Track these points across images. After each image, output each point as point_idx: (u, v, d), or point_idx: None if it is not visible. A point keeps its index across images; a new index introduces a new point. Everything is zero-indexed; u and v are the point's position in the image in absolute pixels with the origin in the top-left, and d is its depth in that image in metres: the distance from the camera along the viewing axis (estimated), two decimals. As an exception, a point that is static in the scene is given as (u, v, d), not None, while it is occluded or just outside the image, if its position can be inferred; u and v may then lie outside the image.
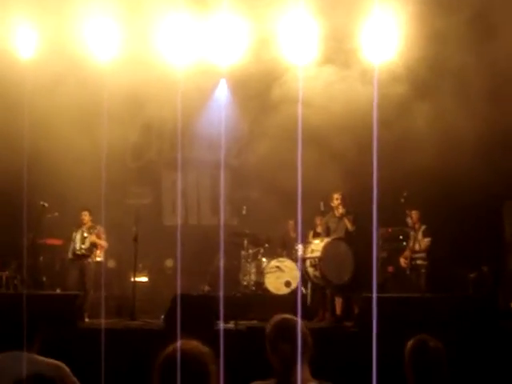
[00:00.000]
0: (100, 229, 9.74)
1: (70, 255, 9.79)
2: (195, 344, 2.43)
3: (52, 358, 3.56)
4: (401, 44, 9.95)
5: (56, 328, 6.08)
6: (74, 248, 9.66)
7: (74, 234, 9.77)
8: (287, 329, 3.05)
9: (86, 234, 9.63)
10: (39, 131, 10.14)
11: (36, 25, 10.22)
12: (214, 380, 2.37)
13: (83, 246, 9.62)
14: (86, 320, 8.54)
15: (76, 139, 10.35)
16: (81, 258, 9.64)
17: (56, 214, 9.83)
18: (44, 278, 9.94)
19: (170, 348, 2.42)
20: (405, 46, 9.89)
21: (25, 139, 9.47)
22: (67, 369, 3.48)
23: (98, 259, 10.40)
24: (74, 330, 7.21)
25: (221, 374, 2.42)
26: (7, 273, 10.46)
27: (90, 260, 9.68)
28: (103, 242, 9.78)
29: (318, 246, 8.86)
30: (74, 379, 3.51)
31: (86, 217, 9.79)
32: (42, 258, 10.16)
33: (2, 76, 9.87)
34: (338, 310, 8.71)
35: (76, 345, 6.60)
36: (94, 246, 9.70)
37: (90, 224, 9.79)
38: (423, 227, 9.43)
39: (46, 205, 9.78)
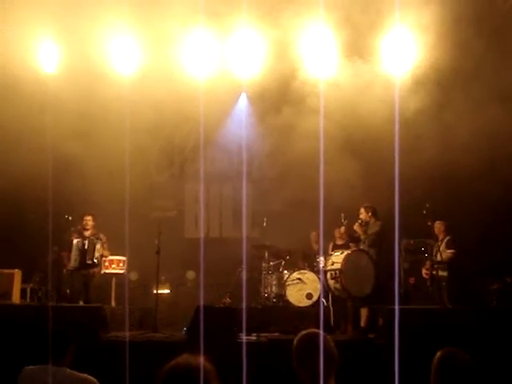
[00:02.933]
0: (103, 237, 9.76)
1: (73, 264, 9.66)
2: (198, 359, 2.43)
3: (78, 369, 3.60)
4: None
5: (82, 340, 6.14)
6: (82, 257, 9.58)
7: (76, 242, 9.67)
8: (315, 343, 3.07)
9: (98, 246, 9.65)
10: (64, 147, 10.31)
11: (60, 41, 10.43)
12: None
13: (94, 256, 9.62)
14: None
15: (99, 153, 10.48)
16: (87, 267, 9.62)
17: (79, 227, 9.90)
18: (68, 291, 10.01)
19: (173, 362, 2.43)
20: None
21: (50, 155, 9.65)
22: (95, 381, 3.52)
23: (120, 271, 10.52)
24: (98, 342, 7.26)
25: None
26: (31, 285, 10.59)
27: (95, 270, 9.72)
28: (107, 253, 9.86)
29: (338, 258, 8.85)
30: None
31: (89, 222, 9.77)
32: (65, 271, 10.25)
33: (27, 90, 10.06)
34: (363, 322, 8.69)
35: (99, 357, 6.66)
36: (102, 256, 9.79)
37: (92, 231, 9.79)
38: (447, 238, 9.37)
39: (70, 218, 9.88)
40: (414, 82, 9.92)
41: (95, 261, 9.70)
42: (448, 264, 9.22)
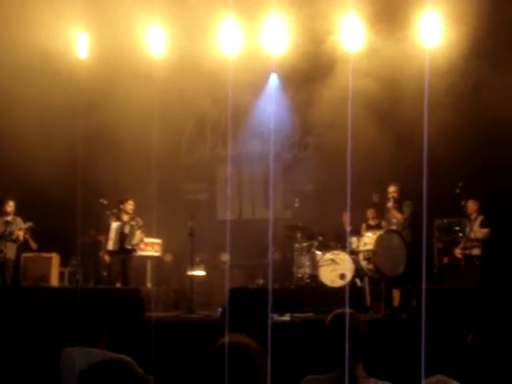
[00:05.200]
0: (140, 222, 9.83)
1: (112, 247, 9.72)
2: (245, 338, 2.46)
3: (116, 351, 3.69)
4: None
5: (120, 322, 6.28)
6: (122, 241, 9.67)
7: (115, 225, 9.75)
8: (346, 323, 3.09)
9: (138, 232, 9.77)
10: (98, 132, 10.47)
11: (92, 28, 10.56)
12: (261, 375, 2.43)
13: (133, 242, 9.76)
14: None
15: (132, 138, 10.60)
16: (126, 252, 9.75)
17: (114, 211, 10.03)
18: (105, 273, 10.21)
19: (220, 341, 2.48)
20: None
21: (82, 137, 9.81)
22: (133, 361, 3.61)
23: (155, 254, 10.68)
24: (135, 324, 7.40)
25: (269, 370, 2.47)
26: (69, 268, 10.83)
27: (134, 254, 9.87)
28: (144, 237, 10.00)
29: (370, 238, 8.85)
30: (140, 370, 3.63)
31: (130, 206, 9.85)
32: (101, 254, 10.46)
33: (61, 75, 10.21)
34: (396, 302, 8.70)
35: (136, 338, 6.80)
36: (141, 241, 9.94)
37: (131, 215, 9.89)
38: (481, 217, 9.27)
39: (106, 202, 10.02)
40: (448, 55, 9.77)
41: (135, 247, 9.85)
42: (482, 243, 9.14)
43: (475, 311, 6.58)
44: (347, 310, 3.21)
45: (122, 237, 9.74)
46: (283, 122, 11.77)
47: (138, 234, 9.84)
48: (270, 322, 6.93)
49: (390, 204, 8.99)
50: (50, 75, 10.09)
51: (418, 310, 7.52)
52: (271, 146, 11.69)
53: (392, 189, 9.00)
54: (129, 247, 9.77)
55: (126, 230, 9.75)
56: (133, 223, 9.80)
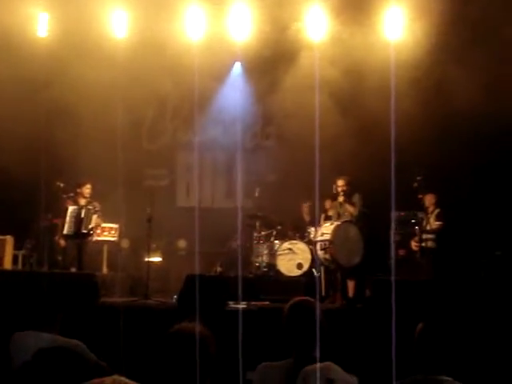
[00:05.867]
0: (98, 206, 9.77)
1: (67, 231, 9.64)
2: (197, 326, 2.48)
3: (69, 336, 3.64)
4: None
5: (74, 307, 6.19)
6: (78, 225, 9.59)
7: (71, 209, 9.65)
8: (305, 310, 3.13)
9: (95, 216, 9.69)
10: (56, 111, 10.27)
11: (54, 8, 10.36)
12: (211, 362, 2.43)
13: (89, 226, 9.67)
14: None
15: (92, 119, 10.45)
16: (82, 236, 9.66)
17: (71, 194, 9.87)
18: (60, 258, 10.05)
19: (174, 328, 2.48)
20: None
21: (42, 120, 9.61)
22: (85, 346, 3.57)
23: (112, 239, 10.57)
24: (89, 309, 7.32)
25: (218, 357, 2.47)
26: (23, 251, 10.63)
27: (89, 239, 9.77)
28: (101, 221, 9.92)
29: (327, 229, 8.94)
30: (93, 356, 3.60)
31: (88, 190, 9.77)
32: (57, 238, 10.29)
33: (22, 53, 9.99)
34: (351, 293, 8.81)
35: (90, 323, 6.73)
36: (97, 226, 9.82)
37: (88, 199, 9.80)
38: (437, 211, 9.44)
39: (62, 185, 9.85)
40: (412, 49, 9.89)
41: (90, 231, 9.74)
42: (436, 236, 9.31)
43: (426, 302, 6.71)
44: (307, 299, 3.24)
45: (78, 221, 9.64)
46: (245, 111, 11.75)
47: (95, 218, 9.74)
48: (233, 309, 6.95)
49: (340, 198, 9.08)
50: (9, 51, 9.86)
51: (372, 300, 7.64)
52: (233, 134, 11.64)
53: (340, 182, 9.09)
54: (85, 231, 9.67)
55: (82, 214, 9.66)
56: (89, 207, 9.70)
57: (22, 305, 3.78)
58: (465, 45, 9.84)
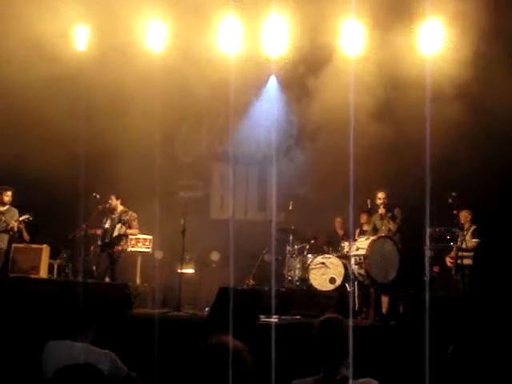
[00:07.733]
0: (132, 215, 9.82)
1: (100, 242, 9.90)
2: (234, 340, 2.48)
3: (102, 347, 3.66)
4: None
5: (107, 317, 6.24)
6: (104, 236, 9.77)
7: (104, 220, 9.86)
8: (334, 328, 3.13)
9: (118, 226, 9.75)
10: (96, 124, 10.43)
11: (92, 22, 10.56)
12: (251, 376, 2.43)
13: (113, 235, 9.74)
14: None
15: (128, 132, 10.56)
16: (109, 246, 9.74)
17: (107, 205, 9.98)
18: (94, 268, 10.16)
19: (212, 341, 2.47)
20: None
21: (81, 132, 9.77)
22: (116, 357, 3.59)
23: (146, 250, 10.63)
24: (121, 319, 7.36)
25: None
26: (59, 261, 10.78)
27: (118, 248, 9.76)
28: (135, 231, 9.93)
29: (363, 243, 8.84)
30: (124, 367, 3.61)
31: (112, 201, 9.83)
32: (92, 248, 10.41)
33: (60, 68, 10.19)
34: (384, 309, 8.69)
35: (122, 333, 6.77)
36: (123, 235, 9.82)
37: (122, 209, 9.87)
38: (473, 227, 9.29)
39: (98, 196, 9.97)
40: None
41: (115, 241, 9.77)
42: (473, 253, 9.14)
43: (462, 320, 6.58)
44: (336, 315, 3.23)
45: (104, 231, 9.83)
46: (279, 124, 11.76)
47: (118, 227, 9.80)
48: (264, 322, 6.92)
49: (381, 211, 8.97)
50: (47, 64, 10.07)
51: (406, 317, 7.52)
52: (267, 147, 11.66)
53: (381, 195, 8.98)
54: (106, 241, 9.77)
55: (107, 224, 9.82)
56: (114, 217, 9.78)
57: (57, 314, 3.81)
58: (504, 59, 9.70)
